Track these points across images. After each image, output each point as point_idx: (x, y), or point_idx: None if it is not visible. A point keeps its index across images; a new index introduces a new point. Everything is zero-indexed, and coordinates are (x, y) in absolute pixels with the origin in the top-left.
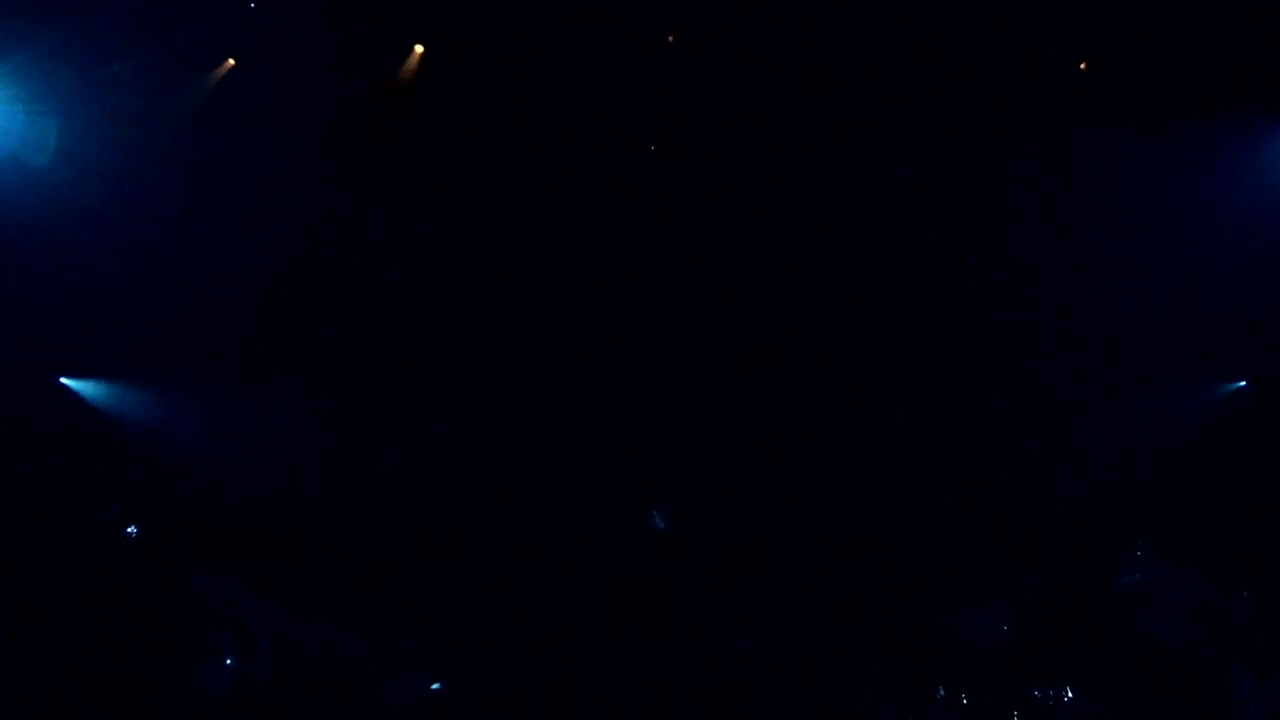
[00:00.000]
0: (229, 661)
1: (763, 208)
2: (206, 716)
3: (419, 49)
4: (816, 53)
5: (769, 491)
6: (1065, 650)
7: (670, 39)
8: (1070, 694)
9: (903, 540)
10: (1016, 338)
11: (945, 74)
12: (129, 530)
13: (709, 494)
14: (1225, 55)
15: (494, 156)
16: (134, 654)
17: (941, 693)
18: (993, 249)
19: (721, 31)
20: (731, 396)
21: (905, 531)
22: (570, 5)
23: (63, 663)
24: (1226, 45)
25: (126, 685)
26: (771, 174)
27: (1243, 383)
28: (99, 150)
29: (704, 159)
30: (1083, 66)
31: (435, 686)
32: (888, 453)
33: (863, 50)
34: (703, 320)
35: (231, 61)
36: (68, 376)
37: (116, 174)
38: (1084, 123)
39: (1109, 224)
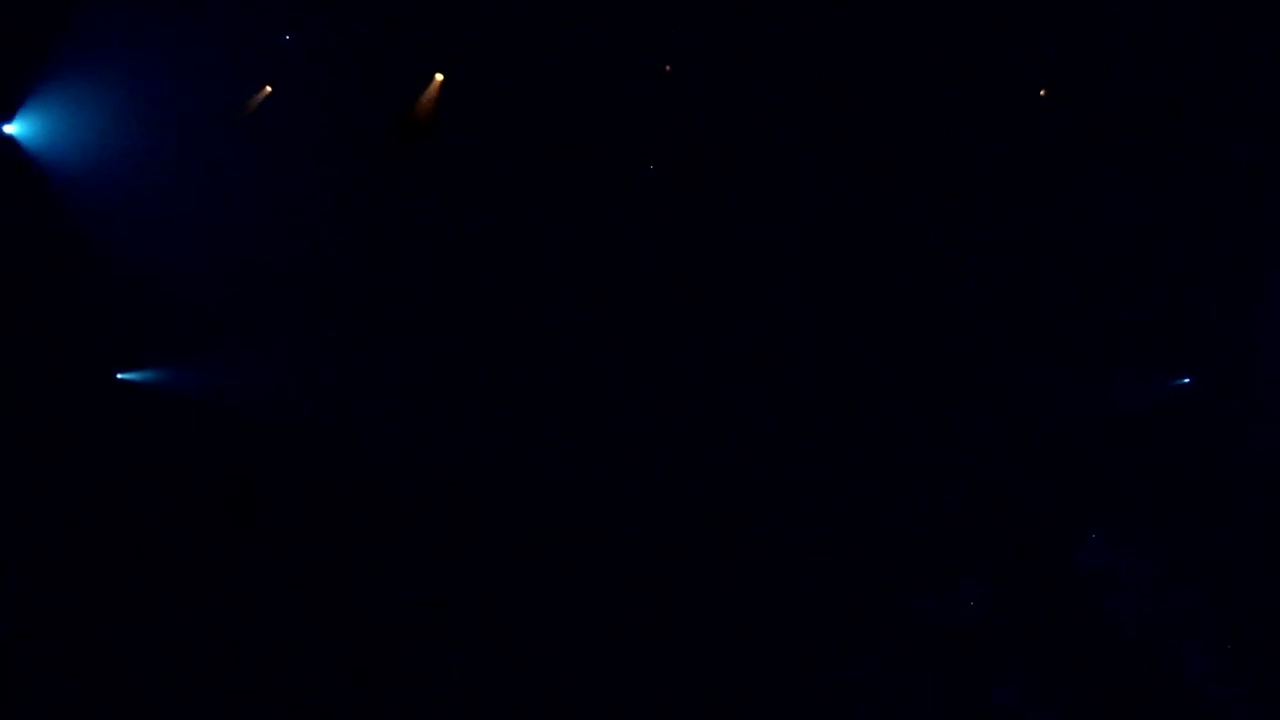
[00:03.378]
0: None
1: (763, 208)
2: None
3: (439, 76)
4: (818, 54)
5: (769, 491)
6: (1031, 635)
7: (668, 68)
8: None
9: (900, 537)
10: (1002, 337)
11: (943, 76)
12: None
13: (709, 494)
14: (1220, 60)
15: (495, 159)
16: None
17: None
18: (987, 250)
19: (723, 34)
20: (731, 396)
21: (902, 529)
22: (574, 18)
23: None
24: (1222, 51)
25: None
26: (772, 174)
27: (1187, 379)
28: (144, 161)
29: (703, 160)
30: (1042, 93)
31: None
32: (886, 451)
33: (864, 52)
34: (703, 320)
35: (269, 89)
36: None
37: (160, 185)
38: (1077, 127)
39: (1092, 226)
